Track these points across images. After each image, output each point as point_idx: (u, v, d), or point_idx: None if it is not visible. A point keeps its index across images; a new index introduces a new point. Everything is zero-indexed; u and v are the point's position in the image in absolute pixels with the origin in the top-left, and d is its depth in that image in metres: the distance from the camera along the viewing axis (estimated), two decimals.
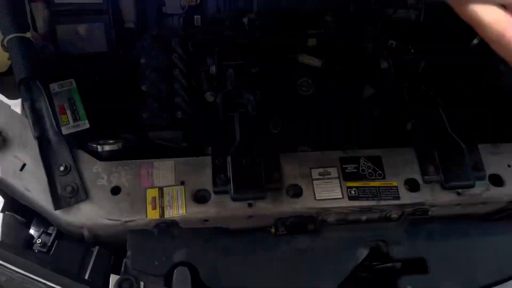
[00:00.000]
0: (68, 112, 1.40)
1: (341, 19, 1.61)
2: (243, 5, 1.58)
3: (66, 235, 1.18)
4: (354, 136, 1.70)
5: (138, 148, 1.46)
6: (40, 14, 1.58)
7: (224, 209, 1.16)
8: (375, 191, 1.21)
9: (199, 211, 1.15)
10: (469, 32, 0.94)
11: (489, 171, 1.26)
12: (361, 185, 1.22)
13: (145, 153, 1.47)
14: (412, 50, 1.54)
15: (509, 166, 1.28)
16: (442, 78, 1.47)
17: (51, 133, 1.20)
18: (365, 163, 1.25)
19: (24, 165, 1.18)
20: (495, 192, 1.24)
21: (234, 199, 1.16)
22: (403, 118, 1.39)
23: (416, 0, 1.57)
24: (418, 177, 1.24)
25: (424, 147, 1.27)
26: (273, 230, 1.20)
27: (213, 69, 1.44)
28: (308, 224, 1.19)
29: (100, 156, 1.24)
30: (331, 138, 1.67)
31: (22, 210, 1.21)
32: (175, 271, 1.08)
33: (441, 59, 1.52)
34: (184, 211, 1.14)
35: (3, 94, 1.51)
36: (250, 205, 1.17)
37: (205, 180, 1.19)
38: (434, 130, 1.30)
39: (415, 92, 1.40)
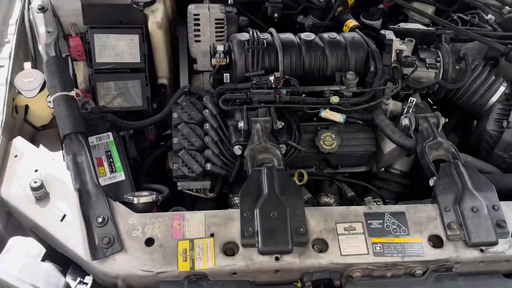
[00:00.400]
0: (105, 164, 1.50)
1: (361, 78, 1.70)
2: (269, 64, 1.69)
3: (101, 285, 1.23)
4: (378, 189, 1.76)
5: (169, 198, 1.54)
6: (81, 71, 1.72)
7: (251, 262, 1.20)
8: (399, 247, 1.24)
9: (227, 264, 1.19)
10: None
11: (511, 227, 1.27)
12: (386, 241, 1.25)
13: (176, 203, 1.54)
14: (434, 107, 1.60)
15: None
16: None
17: (90, 186, 1.28)
18: (390, 219, 1.29)
19: (64, 216, 1.25)
20: None
21: (261, 253, 1.20)
22: (426, 174, 1.42)
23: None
24: (441, 233, 1.26)
25: (446, 203, 1.30)
26: (299, 284, 1.23)
27: (241, 124, 1.52)
28: (334, 281, 1.22)
29: (135, 207, 1.30)
30: (355, 191, 1.72)
31: (60, 259, 1.27)
32: None
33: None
34: (214, 264, 1.19)
35: (45, 146, 1.61)
36: (277, 259, 1.21)
37: (234, 233, 1.23)
38: (456, 187, 1.33)
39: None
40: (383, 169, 1.77)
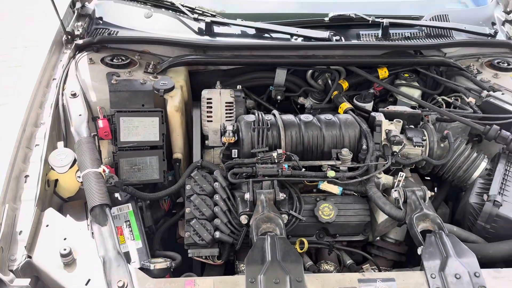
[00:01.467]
0: (125, 232, 1.67)
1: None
2: (272, 142, 1.90)
3: None
4: (375, 257, 1.89)
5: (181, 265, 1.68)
6: (105, 149, 1.94)
7: None
8: None
9: None
10: None
11: None
12: None
13: (186, 269, 1.68)
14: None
15: None
16: None
17: (112, 253, 1.44)
18: (381, 285, 1.42)
19: (89, 280, 1.40)
20: None
21: None
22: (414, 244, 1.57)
23: None
24: None
25: (432, 270, 1.43)
26: None
27: (247, 196, 1.70)
28: None
29: (151, 273, 1.45)
30: (354, 259, 1.86)
31: None
32: None
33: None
34: None
35: (71, 216, 1.78)
36: None
37: None
38: (441, 255, 1.47)
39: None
40: (378, 238, 1.92)
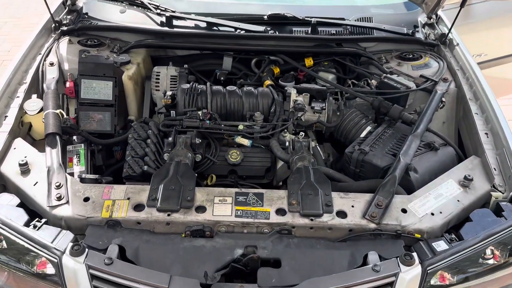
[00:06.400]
0: (74, 160, 2.18)
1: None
2: (201, 105, 2.40)
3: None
4: None
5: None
6: (73, 106, 2.48)
7: (150, 215, 1.80)
8: (253, 213, 1.81)
9: (134, 216, 1.79)
10: None
11: (336, 208, 1.83)
12: (245, 209, 1.83)
13: None
14: None
15: (352, 206, 1.85)
16: None
17: (56, 165, 1.95)
18: (252, 196, 1.87)
19: (36, 182, 1.91)
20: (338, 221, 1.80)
21: (158, 210, 1.80)
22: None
23: None
24: (285, 207, 1.83)
25: (293, 189, 1.88)
26: (183, 234, 1.80)
27: (170, 139, 2.19)
28: (206, 232, 1.78)
29: (83, 181, 1.96)
30: None
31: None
32: (109, 247, 1.69)
33: None
34: (125, 215, 1.79)
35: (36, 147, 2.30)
36: (168, 215, 1.80)
37: (143, 198, 1.85)
38: (303, 180, 1.92)
39: None
40: (281, 183, 2.36)
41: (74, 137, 2.31)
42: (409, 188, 2.00)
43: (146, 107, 2.63)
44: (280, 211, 1.83)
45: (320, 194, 1.88)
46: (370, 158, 2.11)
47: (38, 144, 2.32)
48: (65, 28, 2.82)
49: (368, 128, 2.36)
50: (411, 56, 2.78)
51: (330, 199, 1.87)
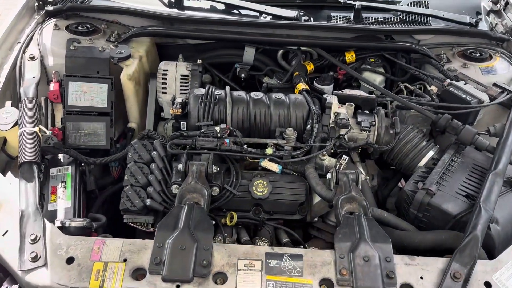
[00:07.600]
0: (59, 192, 1.72)
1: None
2: (219, 117, 1.90)
3: None
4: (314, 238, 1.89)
5: (111, 227, 1.72)
6: (60, 112, 1.99)
7: (154, 287, 1.35)
8: (291, 286, 1.36)
9: (133, 287, 1.35)
10: None
11: (400, 280, 1.37)
12: (279, 280, 1.37)
13: (118, 233, 1.71)
14: None
15: (421, 278, 1.39)
16: None
17: (31, 208, 1.49)
18: (287, 260, 1.42)
19: (6, 231, 1.46)
20: None
21: (164, 280, 1.35)
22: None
23: None
24: (333, 277, 1.38)
25: (342, 251, 1.42)
26: None
27: (180, 166, 1.71)
28: None
29: (67, 230, 1.50)
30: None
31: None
32: None
33: None
34: (120, 285, 1.34)
35: (13, 174, 1.84)
36: (178, 286, 1.35)
37: (145, 260, 1.39)
38: (354, 236, 1.45)
39: None
40: (319, 219, 1.90)
41: (60, 156, 1.84)
42: (488, 245, 1.53)
43: (150, 113, 2.13)
44: (326, 283, 1.38)
45: (379, 259, 1.41)
46: (438, 202, 1.63)
47: (16, 162, 1.85)
48: (50, 7, 2.29)
49: (430, 154, 1.87)
50: (478, 55, 2.23)
51: (392, 267, 1.40)
